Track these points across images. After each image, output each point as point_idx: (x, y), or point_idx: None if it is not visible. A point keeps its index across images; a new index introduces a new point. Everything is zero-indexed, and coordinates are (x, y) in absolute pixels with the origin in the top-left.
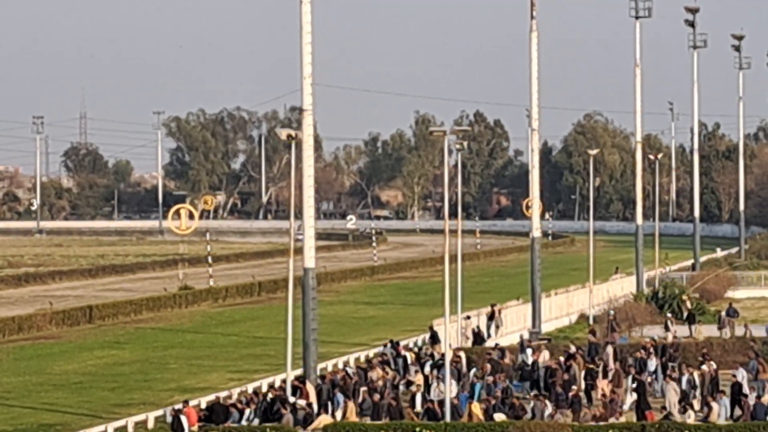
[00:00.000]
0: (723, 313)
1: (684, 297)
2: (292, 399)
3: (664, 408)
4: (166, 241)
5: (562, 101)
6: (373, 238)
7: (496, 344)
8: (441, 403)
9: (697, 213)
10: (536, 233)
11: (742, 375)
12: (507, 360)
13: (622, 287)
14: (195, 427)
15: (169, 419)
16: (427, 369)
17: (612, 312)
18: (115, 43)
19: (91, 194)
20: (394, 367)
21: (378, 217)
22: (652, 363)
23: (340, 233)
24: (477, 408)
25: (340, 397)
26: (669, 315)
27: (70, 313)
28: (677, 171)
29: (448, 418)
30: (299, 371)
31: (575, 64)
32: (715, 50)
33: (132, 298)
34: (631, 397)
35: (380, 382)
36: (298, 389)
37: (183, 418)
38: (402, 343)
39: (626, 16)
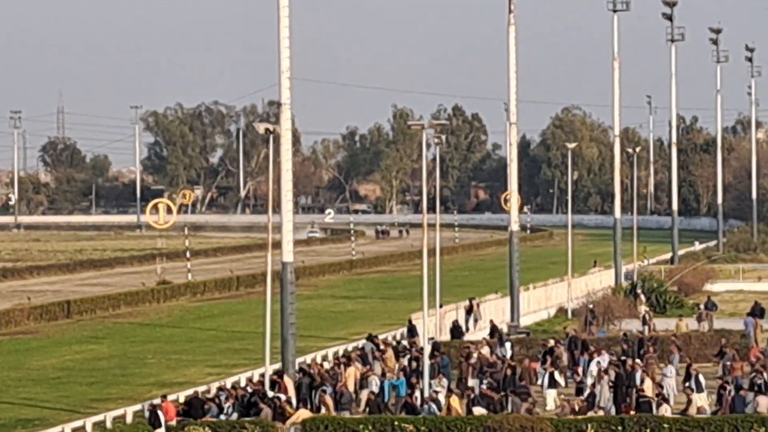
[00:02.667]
0: (701, 307)
1: (639, 291)
2: (270, 393)
3: (641, 391)
4: (144, 236)
5: (540, 95)
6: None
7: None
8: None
9: (675, 206)
10: (514, 227)
11: (670, 371)
12: (486, 354)
13: (600, 281)
14: (173, 422)
15: (147, 414)
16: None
17: (591, 305)
18: (92, 38)
19: (68, 189)
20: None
21: (356, 211)
22: (605, 358)
23: (320, 227)
24: (456, 402)
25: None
26: (647, 308)
27: (48, 308)
28: (655, 164)
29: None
30: (278, 365)
31: (553, 57)
32: (693, 43)
33: (110, 292)
34: (551, 395)
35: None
36: (277, 383)
37: (160, 413)
38: (381, 337)
39: (604, 9)
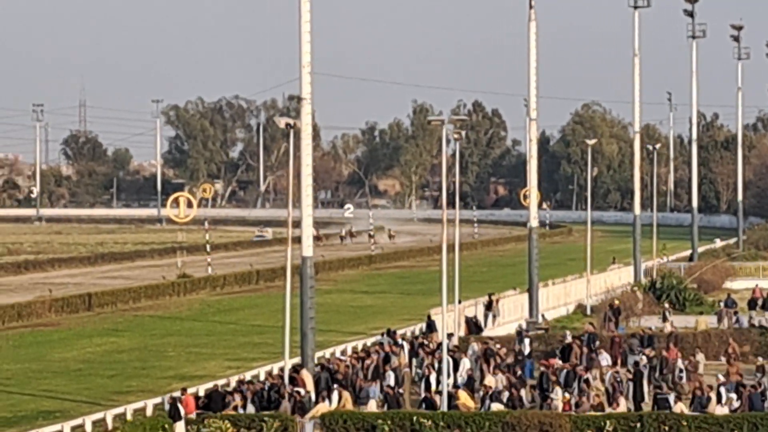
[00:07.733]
0: (721, 304)
1: None
2: (290, 387)
3: (658, 388)
4: (164, 230)
5: (560, 91)
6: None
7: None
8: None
9: (695, 203)
10: (534, 223)
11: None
12: (503, 351)
13: (619, 277)
14: (193, 415)
15: (167, 407)
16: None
17: (617, 301)
18: (114, 32)
19: (90, 182)
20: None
21: (375, 206)
22: (604, 356)
23: (338, 222)
24: (464, 397)
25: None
26: (666, 305)
27: (70, 301)
28: (675, 161)
29: (444, 408)
30: (297, 360)
31: (574, 53)
32: (714, 40)
33: (131, 285)
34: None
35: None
36: (295, 378)
37: (180, 406)
38: (399, 332)
39: (625, 5)
